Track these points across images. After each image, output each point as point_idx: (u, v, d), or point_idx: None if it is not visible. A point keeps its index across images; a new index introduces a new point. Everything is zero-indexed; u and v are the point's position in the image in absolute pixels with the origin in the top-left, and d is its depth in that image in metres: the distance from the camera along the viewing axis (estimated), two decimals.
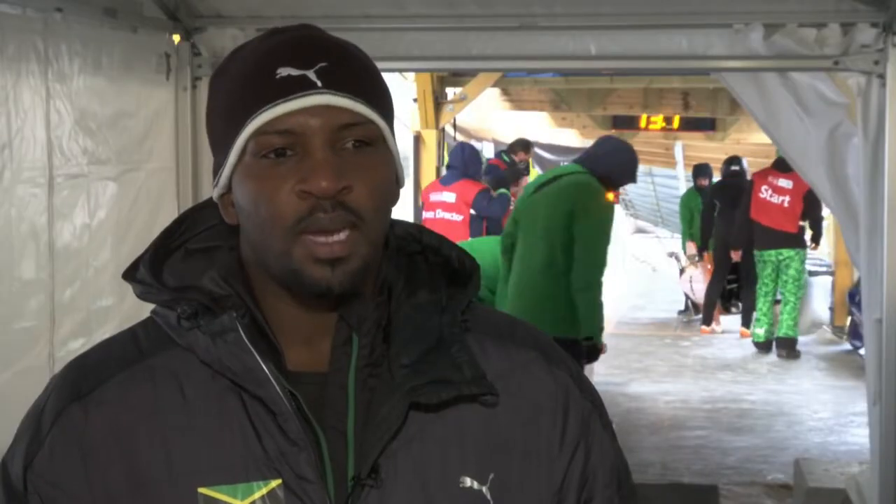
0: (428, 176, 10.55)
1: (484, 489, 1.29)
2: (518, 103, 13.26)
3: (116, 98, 3.87)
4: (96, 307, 3.66)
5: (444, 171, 9.79)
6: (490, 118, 14.01)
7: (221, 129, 1.29)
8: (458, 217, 8.95)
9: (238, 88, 1.27)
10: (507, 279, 5.89)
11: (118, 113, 3.89)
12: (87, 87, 3.66)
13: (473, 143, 12.95)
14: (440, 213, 8.93)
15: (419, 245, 1.38)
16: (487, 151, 13.49)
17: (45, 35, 3.42)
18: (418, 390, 1.27)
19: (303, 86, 1.24)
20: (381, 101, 1.30)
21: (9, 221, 3.25)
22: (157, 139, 4.17)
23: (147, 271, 1.32)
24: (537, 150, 15.45)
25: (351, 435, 1.27)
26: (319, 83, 1.25)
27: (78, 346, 3.47)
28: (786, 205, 10.46)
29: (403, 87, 11.65)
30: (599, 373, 9.03)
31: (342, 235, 1.23)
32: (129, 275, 1.34)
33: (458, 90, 10.85)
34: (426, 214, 8.90)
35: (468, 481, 1.29)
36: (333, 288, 1.25)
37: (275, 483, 1.24)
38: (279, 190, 1.24)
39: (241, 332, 1.26)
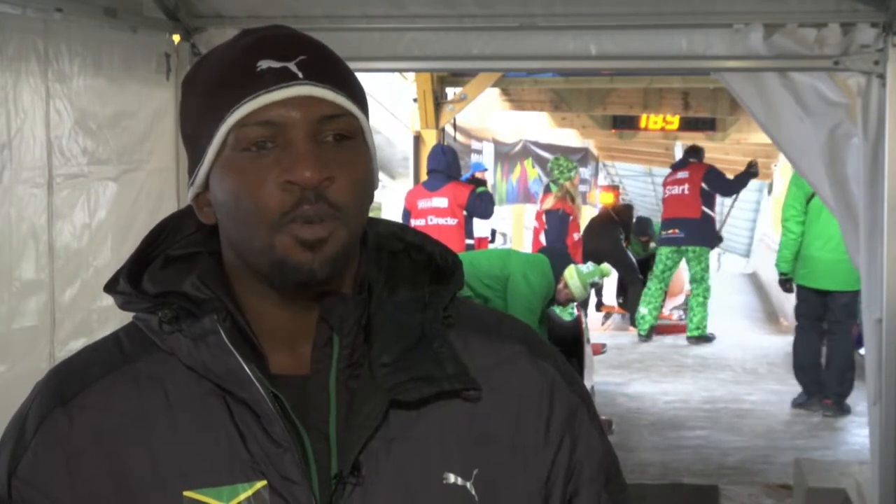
0: None
1: (468, 485, 1.29)
2: (518, 103, 13.25)
3: (116, 98, 3.88)
4: (97, 307, 3.66)
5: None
6: (490, 118, 14.00)
7: (198, 126, 1.28)
8: (452, 221, 8.95)
9: (216, 84, 1.27)
10: (792, 259, 8.20)
11: (118, 113, 3.89)
12: (87, 87, 3.67)
13: (473, 143, 12.95)
14: (433, 220, 8.91)
15: (402, 243, 1.38)
16: (487, 151, 13.46)
17: (45, 35, 3.43)
18: (399, 388, 1.27)
19: (284, 77, 1.24)
20: (359, 95, 1.30)
21: (8, 221, 3.25)
22: (157, 139, 4.17)
23: (126, 282, 1.32)
24: (537, 150, 15.46)
25: (333, 435, 1.27)
26: (301, 75, 1.25)
27: (79, 346, 3.43)
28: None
29: (403, 87, 11.65)
30: (599, 373, 9.03)
31: (323, 224, 1.24)
32: (111, 287, 1.34)
33: (458, 90, 10.84)
34: (416, 222, 8.82)
35: (452, 477, 1.29)
36: (315, 271, 1.24)
37: (259, 484, 1.24)
38: (262, 182, 1.24)
39: (223, 334, 1.26)
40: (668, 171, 12.34)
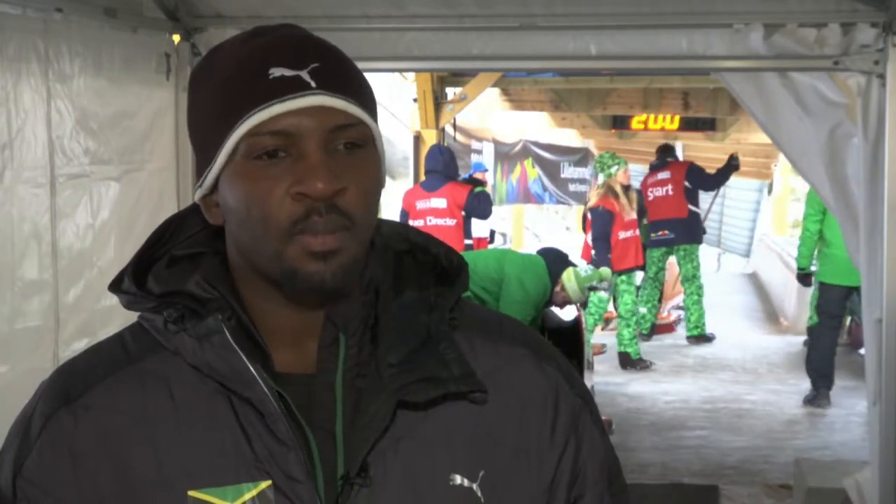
0: None
1: (474, 486, 1.29)
2: (518, 103, 13.25)
3: (117, 98, 3.88)
4: (101, 307, 3.66)
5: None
6: (490, 118, 14.01)
7: (209, 130, 1.27)
8: (451, 221, 8.93)
9: (227, 88, 1.26)
10: (810, 255, 8.69)
11: (119, 113, 3.90)
12: (87, 87, 3.67)
13: (473, 143, 12.95)
14: (431, 220, 8.89)
15: (407, 244, 1.38)
16: (487, 151, 13.47)
17: (46, 35, 3.43)
18: (406, 389, 1.27)
19: (297, 86, 1.24)
20: (370, 102, 1.30)
21: (10, 222, 3.25)
22: (157, 139, 4.17)
23: (131, 281, 1.32)
24: (537, 150, 15.45)
25: (340, 435, 1.27)
26: (314, 84, 1.24)
27: (83, 346, 3.47)
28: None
29: (403, 87, 11.65)
30: (599, 373, 9.03)
31: (335, 235, 1.24)
32: (115, 287, 1.34)
33: (458, 90, 10.84)
34: (415, 223, 8.77)
35: (458, 479, 1.29)
36: (326, 280, 1.24)
37: (264, 484, 1.24)
38: (272, 192, 1.23)
39: (227, 333, 1.26)
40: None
